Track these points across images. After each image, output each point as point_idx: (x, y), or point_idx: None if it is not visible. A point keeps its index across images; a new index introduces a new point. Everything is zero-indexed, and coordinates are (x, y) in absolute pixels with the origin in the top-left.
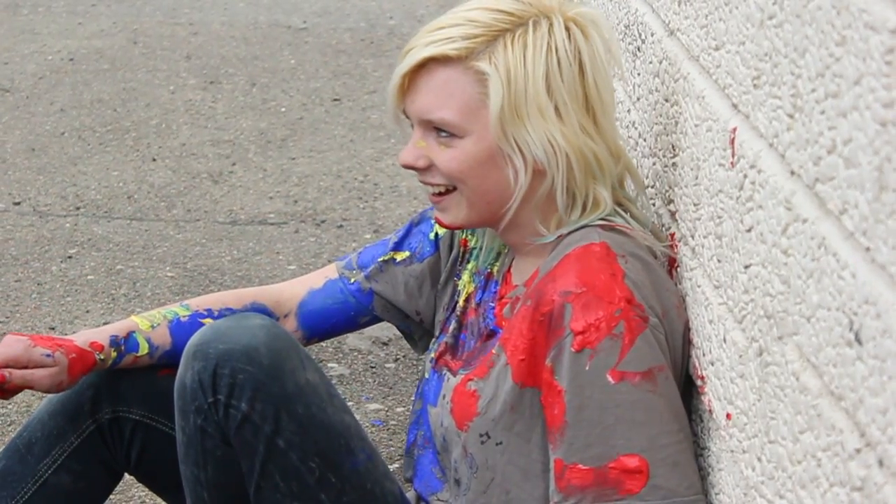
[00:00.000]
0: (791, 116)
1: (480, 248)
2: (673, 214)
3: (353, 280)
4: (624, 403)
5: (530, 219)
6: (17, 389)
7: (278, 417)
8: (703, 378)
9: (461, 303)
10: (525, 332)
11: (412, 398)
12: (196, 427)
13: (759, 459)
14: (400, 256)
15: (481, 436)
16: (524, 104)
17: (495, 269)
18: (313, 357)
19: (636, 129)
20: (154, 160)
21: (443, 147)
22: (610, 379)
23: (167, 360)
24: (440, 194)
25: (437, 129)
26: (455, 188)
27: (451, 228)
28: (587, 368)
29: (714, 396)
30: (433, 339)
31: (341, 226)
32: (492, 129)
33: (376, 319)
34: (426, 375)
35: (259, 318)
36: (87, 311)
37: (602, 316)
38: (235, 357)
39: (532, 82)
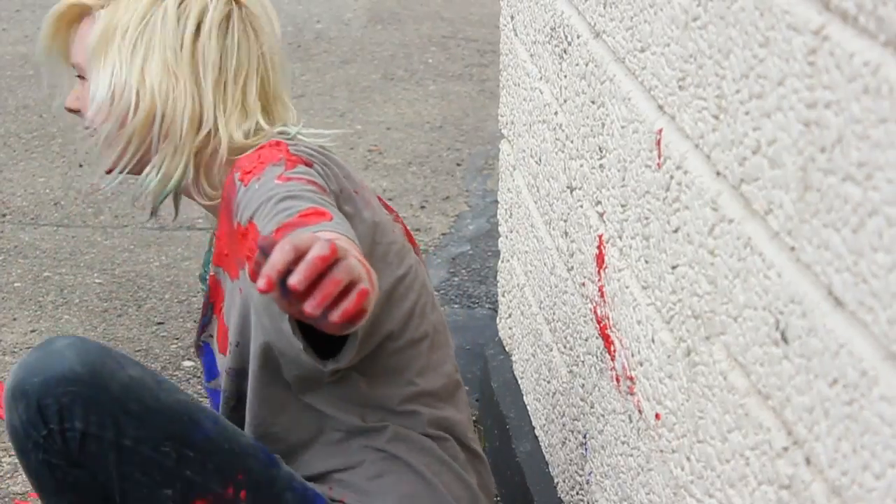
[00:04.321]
0: (716, 117)
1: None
2: (601, 216)
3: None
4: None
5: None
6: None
7: (116, 421)
8: (632, 378)
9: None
10: (224, 235)
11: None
12: (41, 462)
13: (689, 459)
14: None
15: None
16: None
17: (211, 268)
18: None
19: (563, 131)
20: (81, 166)
21: None
22: (278, 181)
23: None
24: None
25: None
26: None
27: None
28: (256, 186)
29: (643, 396)
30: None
31: None
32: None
33: None
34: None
35: (62, 339)
36: (14, 319)
37: (265, 157)
38: (53, 384)
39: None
